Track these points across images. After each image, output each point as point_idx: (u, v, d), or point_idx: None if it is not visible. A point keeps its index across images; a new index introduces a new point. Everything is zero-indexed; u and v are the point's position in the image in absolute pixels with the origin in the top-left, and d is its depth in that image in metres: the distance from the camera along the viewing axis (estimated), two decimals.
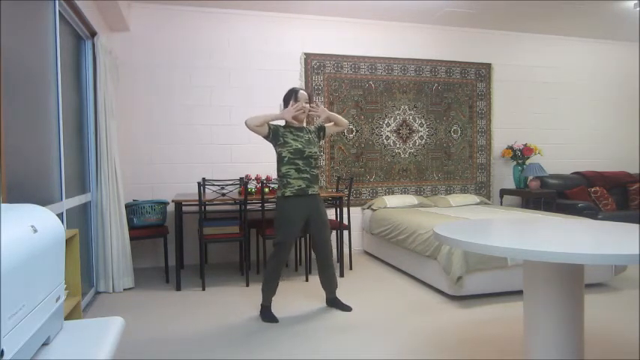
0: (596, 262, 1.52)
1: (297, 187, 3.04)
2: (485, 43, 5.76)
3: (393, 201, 5.06)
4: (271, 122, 3.06)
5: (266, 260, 4.00)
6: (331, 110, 5.17)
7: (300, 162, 3.04)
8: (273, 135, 3.06)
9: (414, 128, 5.49)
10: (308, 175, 3.07)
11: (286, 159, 3.04)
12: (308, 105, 3.13)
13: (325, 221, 3.18)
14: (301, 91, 3.12)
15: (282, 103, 3.21)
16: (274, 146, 3.11)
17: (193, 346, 2.68)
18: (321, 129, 3.26)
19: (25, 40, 2.40)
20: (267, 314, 3.10)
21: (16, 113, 2.20)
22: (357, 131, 5.30)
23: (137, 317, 3.18)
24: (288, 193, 3.04)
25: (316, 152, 3.12)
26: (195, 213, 4.25)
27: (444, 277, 3.44)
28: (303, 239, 4.34)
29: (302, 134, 3.11)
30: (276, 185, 3.55)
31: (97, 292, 3.78)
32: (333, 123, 3.28)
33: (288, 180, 3.04)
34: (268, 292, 3.13)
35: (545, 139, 6.03)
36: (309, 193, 3.08)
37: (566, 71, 6.11)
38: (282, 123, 3.17)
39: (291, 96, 3.12)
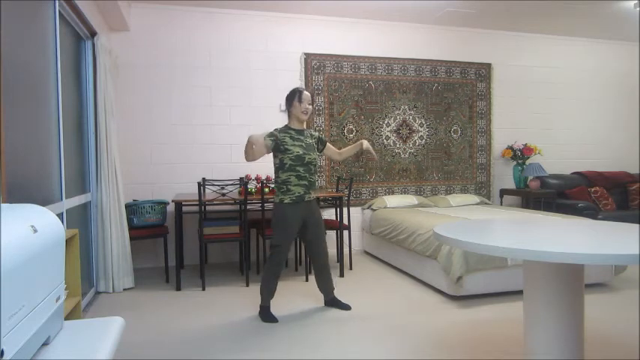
0: (596, 262, 1.52)
1: (296, 195, 3.03)
2: (486, 43, 5.76)
3: (393, 201, 5.06)
4: (267, 137, 2.97)
5: (266, 260, 4.01)
6: (331, 110, 5.17)
7: (300, 169, 3.04)
8: (274, 148, 3.03)
9: (414, 128, 5.49)
10: (306, 182, 3.07)
11: (287, 166, 3.02)
12: (311, 107, 3.13)
13: (321, 225, 3.20)
14: (305, 92, 3.09)
15: (281, 103, 3.21)
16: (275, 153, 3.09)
17: (193, 346, 2.68)
18: (321, 142, 3.26)
19: (25, 40, 2.40)
20: (266, 314, 3.10)
21: (16, 113, 2.19)
22: (357, 131, 5.30)
23: (137, 317, 3.18)
24: (287, 201, 3.03)
25: (315, 159, 3.12)
26: (195, 213, 4.25)
27: (444, 277, 3.44)
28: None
29: (302, 138, 3.10)
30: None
31: (97, 292, 3.78)
32: (340, 154, 3.30)
33: (288, 187, 3.03)
34: (267, 293, 3.13)
35: (545, 139, 6.03)
36: (306, 199, 3.09)
37: (566, 71, 6.11)
38: (279, 126, 3.16)
39: (294, 96, 3.09)
